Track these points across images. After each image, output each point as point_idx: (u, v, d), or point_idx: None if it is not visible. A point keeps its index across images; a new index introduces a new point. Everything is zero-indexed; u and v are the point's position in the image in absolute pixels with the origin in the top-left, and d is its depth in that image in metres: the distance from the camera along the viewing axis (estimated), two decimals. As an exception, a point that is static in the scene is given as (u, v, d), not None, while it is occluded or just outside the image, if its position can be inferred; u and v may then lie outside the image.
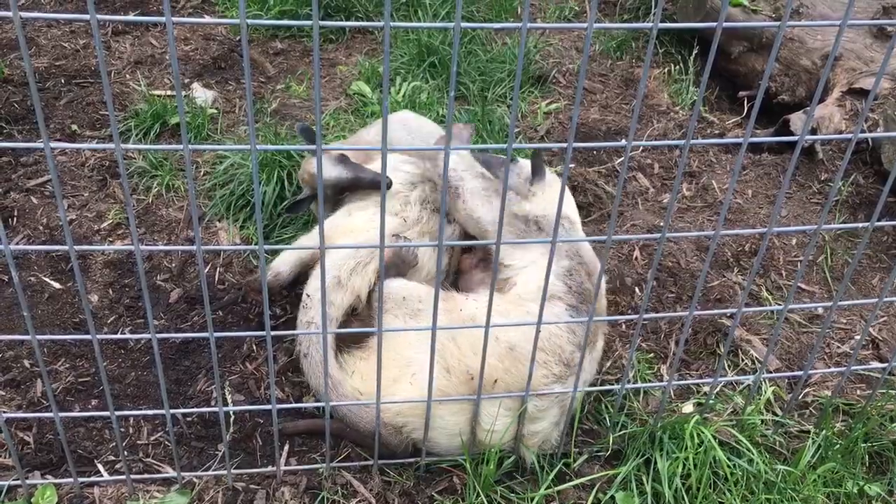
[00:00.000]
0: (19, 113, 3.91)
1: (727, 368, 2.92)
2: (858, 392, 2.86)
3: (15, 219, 3.35)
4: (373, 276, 2.73)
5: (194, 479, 2.45)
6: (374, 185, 2.97)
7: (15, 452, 2.31)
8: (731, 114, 4.37)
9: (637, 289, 3.19)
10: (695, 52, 4.52)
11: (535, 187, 2.92)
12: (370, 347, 2.59)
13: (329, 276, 2.66)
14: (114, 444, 2.56)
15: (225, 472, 2.44)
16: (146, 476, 2.47)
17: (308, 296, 2.69)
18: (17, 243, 3.25)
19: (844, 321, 3.16)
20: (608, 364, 2.90)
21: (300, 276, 2.85)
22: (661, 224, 3.46)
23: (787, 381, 2.89)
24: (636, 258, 3.34)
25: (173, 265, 3.19)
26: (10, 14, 1.51)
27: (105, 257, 3.20)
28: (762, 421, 2.64)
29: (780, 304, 3.11)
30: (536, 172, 2.93)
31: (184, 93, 4.10)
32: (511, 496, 2.43)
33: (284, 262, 2.85)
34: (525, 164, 3.06)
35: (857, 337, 3.06)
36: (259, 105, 4.08)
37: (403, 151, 3.18)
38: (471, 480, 2.41)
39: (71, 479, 2.37)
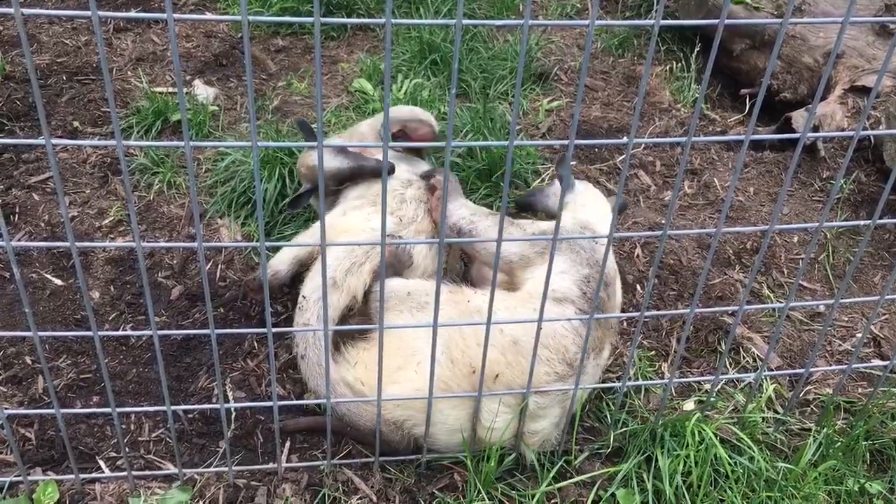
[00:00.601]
0: (21, 110, 3.91)
1: (728, 366, 2.92)
2: (860, 390, 2.86)
3: (16, 215, 3.35)
4: (368, 277, 2.72)
5: (195, 476, 2.46)
6: (375, 174, 2.97)
7: (16, 449, 2.32)
8: (733, 111, 4.37)
9: (638, 286, 3.19)
10: (696, 49, 4.52)
11: (567, 199, 2.91)
12: (373, 338, 2.59)
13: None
14: (115, 440, 2.56)
15: (226, 468, 2.44)
16: (147, 472, 2.47)
17: (304, 297, 2.69)
18: (19, 240, 3.25)
19: (846, 319, 3.15)
20: (610, 361, 2.90)
21: (299, 274, 2.85)
22: (663, 221, 3.45)
23: (788, 378, 2.89)
24: (637, 256, 3.34)
25: (174, 262, 3.19)
26: (11, 11, 1.51)
27: (106, 254, 3.20)
28: (763, 419, 2.64)
29: (781, 302, 3.11)
30: (563, 184, 2.93)
31: (185, 90, 4.10)
32: (512, 493, 2.43)
33: (282, 261, 2.85)
34: (558, 186, 3.04)
35: (859, 335, 3.06)
36: (260, 102, 4.08)
37: (400, 149, 3.18)
38: (472, 478, 2.41)
39: (72, 476, 2.38)
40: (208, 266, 3.18)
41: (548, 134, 4.02)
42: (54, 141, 1.68)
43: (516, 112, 1.71)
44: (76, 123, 3.85)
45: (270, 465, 2.50)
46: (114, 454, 2.53)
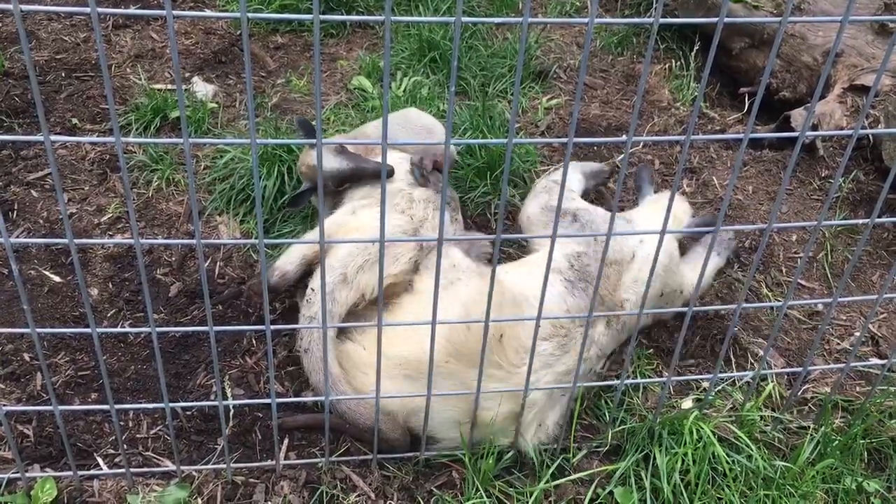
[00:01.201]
0: (20, 106, 3.90)
1: (726, 365, 2.92)
2: (858, 389, 2.86)
3: (15, 212, 3.35)
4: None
5: (193, 473, 2.46)
6: (376, 175, 2.97)
7: (14, 445, 2.32)
8: (732, 110, 4.36)
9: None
10: (696, 48, 4.51)
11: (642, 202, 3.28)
12: (397, 304, 2.70)
13: (336, 272, 2.67)
14: (113, 437, 2.56)
15: (224, 465, 2.44)
16: (145, 469, 2.47)
17: (312, 290, 2.69)
18: (18, 237, 3.25)
19: (844, 318, 3.16)
20: (608, 360, 2.91)
21: (307, 273, 2.85)
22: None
23: (786, 377, 2.89)
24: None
25: (173, 259, 3.19)
26: (10, 7, 1.51)
27: (105, 251, 3.20)
28: (761, 417, 2.64)
29: (779, 301, 3.11)
30: (637, 188, 3.43)
31: (184, 87, 4.10)
32: (510, 491, 2.44)
33: (290, 261, 2.84)
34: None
35: (857, 333, 3.06)
36: (259, 99, 4.07)
37: (404, 148, 3.18)
38: (470, 475, 2.41)
39: (70, 473, 2.38)
40: (207, 263, 3.18)
41: (547, 132, 4.01)
42: (53, 138, 1.68)
43: (515, 110, 1.71)
44: (75, 120, 3.85)
45: (268, 463, 2.50)
46: (112, 451, 2.53)
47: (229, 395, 2.71)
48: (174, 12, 1.53)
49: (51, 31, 4.48)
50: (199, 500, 2.39)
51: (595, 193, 3.60)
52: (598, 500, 2.42)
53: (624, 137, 1.85)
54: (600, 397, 2.72)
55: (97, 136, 3.76)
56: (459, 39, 4.38)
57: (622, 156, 3.77)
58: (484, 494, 2.39)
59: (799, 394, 2.81)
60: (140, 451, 2.55)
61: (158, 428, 2.62)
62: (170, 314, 2.99)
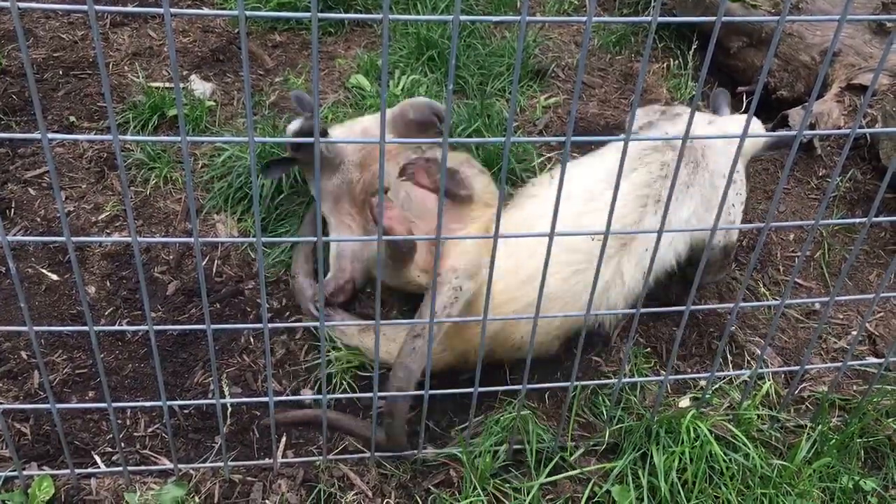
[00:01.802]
0: (17, 104, 3.89)
1: (724, 363, 2.92)
2: (855, 387, 2.86)
3: (12, 210, 3.34)
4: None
5: (191, 471, 2.46)
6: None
7: (12, 444, 2.32)
8: (730, 109, 4.36)
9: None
10: (694, 46, 4.51)
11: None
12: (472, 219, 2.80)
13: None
14: (111, 435, 2.56)
15: (222, 464, 2.44)
16: (143, 468, 2.47)
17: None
18: (15, 235, 3.25)
19: (841, 317, 3.16)
20: (605, 357, 2.91)
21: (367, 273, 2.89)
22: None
23: (783, 376, 2.89)
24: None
25: (171, 257, 3.19)
26: (7, 4, 1.51)
27: (102, 249, 3.19)
28: (758, 416, 2.65)
29: (777, 300, 3.12)
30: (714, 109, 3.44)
31: (182, 85, 4.10)
32: (507, 489, 2.44)
33: (342, 268, 2.85)
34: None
35: (854, 332, 3.06)
36: (257, 98, 4.07)
37: (401, 144, 3.18)
38: (467, 473, 2.42)
39: (68, 471, 2.38)
40: (204, 262, 3.18)
41: (545, 131, 4.01)
42: (50, 136, 1.68)
43: (513, 108, 1.71)
44: (72, 118, 3.84)
45: (266, 461, 2.50)
46: (109, 449, 2.53)
47: (227, 393, 2.71)
48: (172, 10, 1.53)
49: (48, 28, 4.48)
50: (197, 499, 2.39)
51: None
52: (595, 499, 2.42)
53: (622, 136, 1.85)
54: (597, 395, 2.73)
55: (95, 134, 3.75)
56: (457, 38, 4.38)
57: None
58: (481, 492, 2.39)
59: (796, 392, 2.81)
60: (137, 449, 2.55)
61: (156, 426, 2.62)
62: (167, 312, 2.99)
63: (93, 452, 2.52)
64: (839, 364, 2.69)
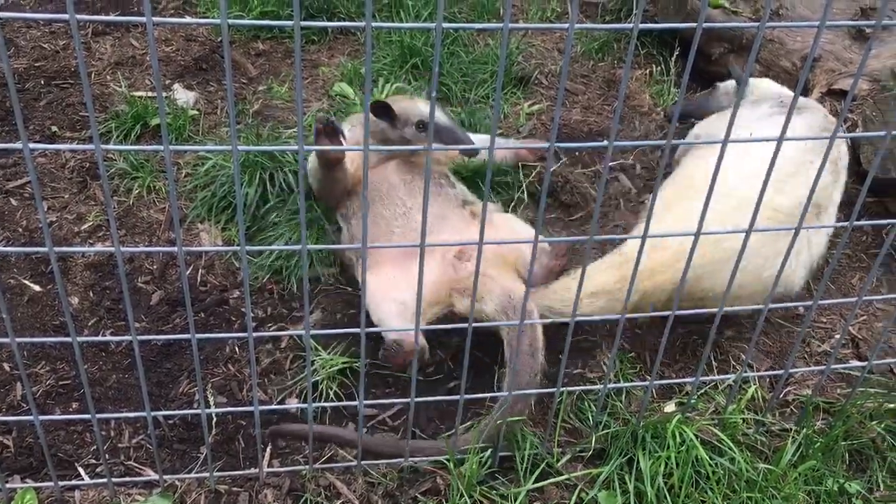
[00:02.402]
0: (-2, 114, 3.88)
1: (709, 368, 2.93)
2: (839, 390, 2.88)
3: (-6, 221, 3.32)
4: None
5: (176, 482, 2.44)
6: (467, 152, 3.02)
7: (-6, 456, 2.29)
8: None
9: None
10: (676, 53, 4.54)
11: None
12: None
13: None
14: (95, 447, 2.54)
15: (207, 474, 2.43)
16: (128, 479, 2.45)
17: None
18: (-4, 245, 3.22)
19: (825, 320, 3.18)
20: (591, 362, 2.92)
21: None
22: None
23: (768, 379, 2.91)
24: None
25: (154, 267, 3.17)
26: (-13, 14, 1.50)
27: (85, 259, 3.17)
28: (744, 420, 2.66)
29: (760, 304, 3.13)
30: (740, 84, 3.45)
31: (165, 94, 4.08)
32: (494, 496, 2.44)
33: (406, 332, 2.66)
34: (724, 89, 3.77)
35: (837, 336, 3.09)
36: (241, 106, 4.06)
37: (384, 152, 3.18)
38: (454, 481, 2.41)
39: (52, 483, 2.36)
40: (189, 271, 3.17)
41: (529, 137, 4.03)
42: (32, 146, 1.67)
43: (496, 115, 1.72)
44: (54, 128, 3.82)
45: (252, 471, 2.49)
46: (93, 461, 2.51)
47: (212, 403, 2.70)
48: (154, 19, 1.52)
49: (30, 38, 4.45)
50: (182, 510, 2.38)
51: (580, 197, 3.61)
52: (583, 505, 2.43)
53: (606, 142, 1.86)
54: (583, 401, 2.73)
55: (77, 144, 3.73)
56: (441, 46, 4.39)
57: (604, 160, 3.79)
58: (468, 500, 2.39)
59: (781, 396, 2.82)
60: (122, 460, 2.53)
61: (140, 437, 2.60)
62: (151, 322, 2.97)
63: (77, 464, 2.49)
64: (823, 367, 2.70)
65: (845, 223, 2.18)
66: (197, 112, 3.98)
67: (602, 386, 2.50)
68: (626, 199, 3.69)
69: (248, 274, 3.12)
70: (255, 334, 2.06)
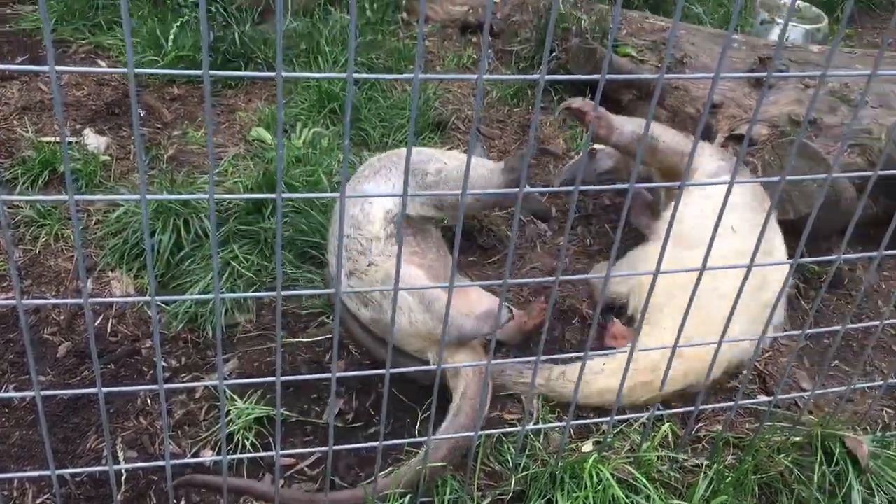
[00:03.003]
0: None
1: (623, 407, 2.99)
2: (747, 425, 2.97)
3: None
4: None
5: (83, 543, 2.34)
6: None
7: None
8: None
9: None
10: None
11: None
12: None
13: None
14: (-5, 509, 2.42)
15: (116, 533, 2.34)
16: (31, 542, 2.34)
17: None
18: None
19: (733, 357, 3.28)
20: (510, 405, 2.94)
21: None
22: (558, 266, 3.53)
23: (680, 416, 2.97)
24: (531, 301, 3.40)
25: (62, 318, 3.07)
26: None
27: (-12, 311, 3.05)
28: (658, 457, 2.71)
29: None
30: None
31: (75, 139, 3.99)
32: (415, 544, 2.41)
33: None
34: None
35: (745, 371, 3.18)
36: (155, 152, 4.00)
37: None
38: (374, 530, 2.38)
39: (-54, 550, 2.23)
40: (99, 321, 3.07)
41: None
42: (-73, 196, 1.61)
43: (408, 162, 1.74)
44: (-44, 175, 3.69)
45: (164, 528, 2.41)
46: (-7, 524, 2.39)
47: (122, 458, 2.61)
48: (57, 68, 1.50)
49: (-70, 82, 4.31)
50: (89, 572, 2.28)
51: (496, 240, 3.67)
52: (503, 548, 2.42)
53: (516, 190, 1.90)
54: (503, 443, 2.74)
55: (-20, 191, 3.60)
56: (357, 92, 4.43)
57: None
58: (388, 549, 2.36)
59: (693, 432, 2.89)
60: (25, 522, 2.42)
61: (45, 496, 2.50)
62: (58, 375, 2.87)
63: (-25, 528, 2.37)
64: (731, 403, 2.78)
65: (744, 265, 2.26)
66: (109, 157, 3.90)
67: (521, 428, 2.52)
68: (542, 241, 3.77)
69: (161, 323, 3.05)
70: (166, 386, 2.01)
